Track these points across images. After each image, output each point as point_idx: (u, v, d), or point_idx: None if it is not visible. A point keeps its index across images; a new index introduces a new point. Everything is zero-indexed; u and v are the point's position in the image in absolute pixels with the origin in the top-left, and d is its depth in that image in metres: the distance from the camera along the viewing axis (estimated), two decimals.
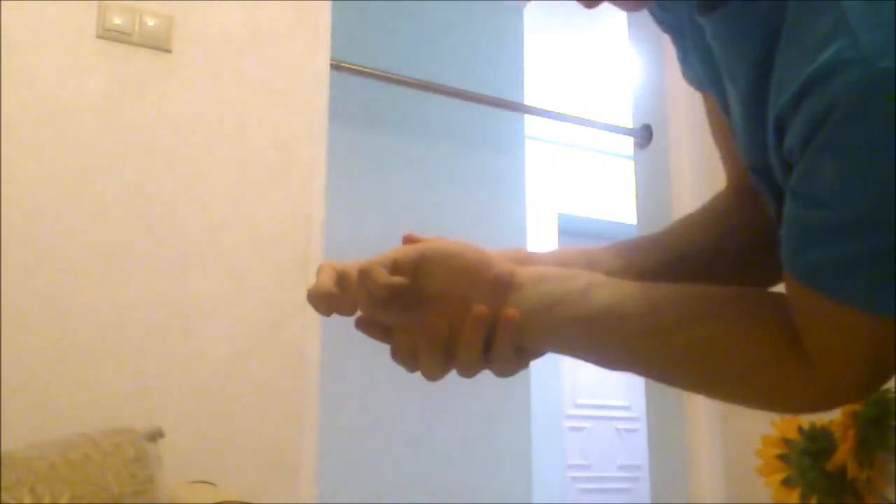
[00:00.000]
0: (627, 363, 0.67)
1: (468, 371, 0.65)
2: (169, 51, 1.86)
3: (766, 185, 0.67)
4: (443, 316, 0.63)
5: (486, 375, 0.66)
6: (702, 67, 0.77)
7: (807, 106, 0.53)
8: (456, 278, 0.64)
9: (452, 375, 0.67)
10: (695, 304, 0.65)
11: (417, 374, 0.68)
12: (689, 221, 0.86)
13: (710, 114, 0.86)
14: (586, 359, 0.67)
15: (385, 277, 0.62)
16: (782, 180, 0.60)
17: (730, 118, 0.74)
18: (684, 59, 0.81)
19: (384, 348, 0.69)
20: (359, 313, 0.66)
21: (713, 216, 0.85)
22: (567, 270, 0.68)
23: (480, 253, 0.65)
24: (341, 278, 0.64)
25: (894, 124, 0.49)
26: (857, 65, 0.50)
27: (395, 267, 0.64)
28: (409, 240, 0.68)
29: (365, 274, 0.62)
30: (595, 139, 4.35)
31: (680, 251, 0.81)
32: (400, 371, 0.70)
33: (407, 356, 0.65)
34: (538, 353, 0.67)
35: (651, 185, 2.52)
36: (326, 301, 0.64)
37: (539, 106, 3.16)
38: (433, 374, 0.65)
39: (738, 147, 0.73)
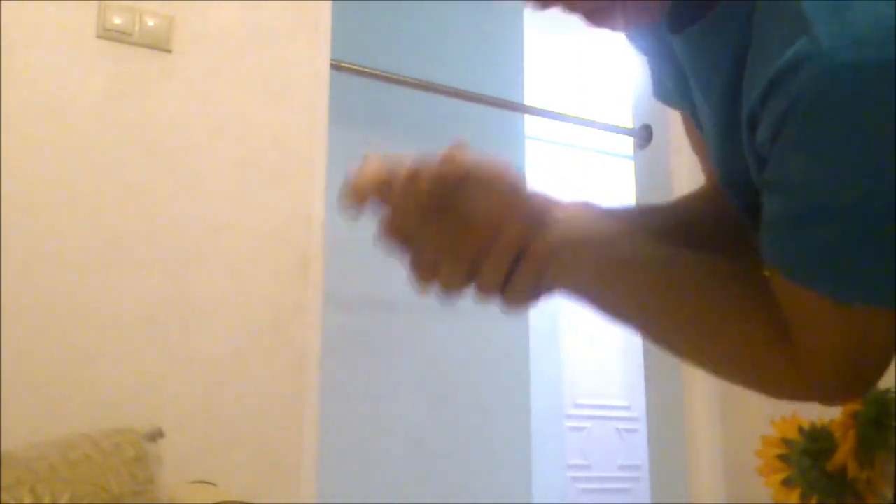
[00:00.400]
0: (635, 315, 0.68)
1: (486, 292, 0.65)
2: (169, 51, 1.86)
3: (740, 200, 0.70)
4: (475, 233, 0.64)
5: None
6: (674, 85, 0.78)
7: (773, 101, 0.55)
8: (495, 201, 0.65)
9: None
10: (709, 271, 0.67)
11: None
12: (690, 196, 0.89)
13: (688, 129, 0.89)
14: (598, 305, 0.67)
15: (435, 184, 0.63)
16: (757, 178, 0.62)
17: (703, 133, 0.76)
18: (657, 77, 0.83)
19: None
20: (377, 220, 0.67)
21: (708, 195, 0.87)
22: (599, 217, 0.69)
23: (521, 181, 0.66)
24: (390, 171, 0.65)
25: (853, 114, 0.52)
26: (818, 59, 0.52)
27: (441, 178, 0.64)
28: (454, 149, 0.68)
29: (415, 175, 0.63)
30: (595, 139, 4.35)
31: (688, 218, 0.83)
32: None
33: (428, 267, 0.65)
34: (554, 291, 0.67)
35: (651, 185, 2.52)
36: (372, 184, 0.64)
37: (539, 106, 3.16)
38: (451, 288, 0.65)
39: (711, 161, 0.75)
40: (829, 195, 0.54)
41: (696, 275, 0.67)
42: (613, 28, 0.65)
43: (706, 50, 0.67)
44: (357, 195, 0.65)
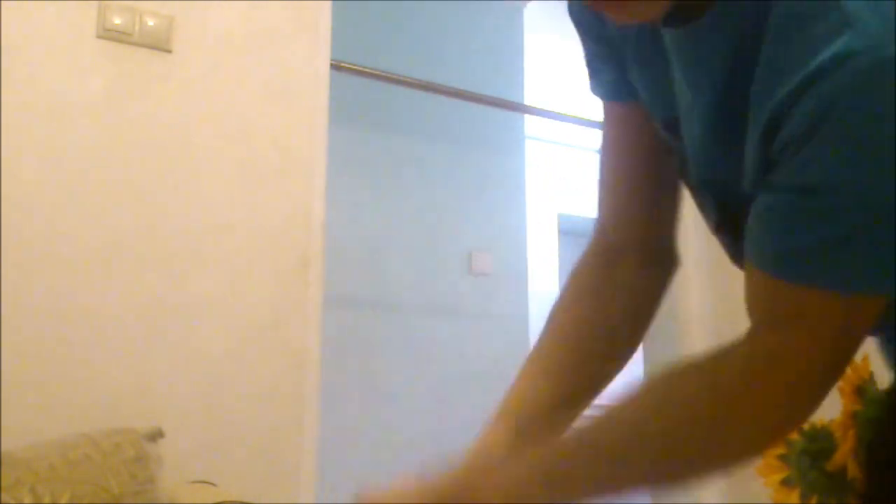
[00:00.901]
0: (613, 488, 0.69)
1: None
2: (169, 51, 1.86)
3: (713, 197, 0.71)
4: None
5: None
6: (645, 81, 0.77)
7: (812, 96, 0.55)
8: None
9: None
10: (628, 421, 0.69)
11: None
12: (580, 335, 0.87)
13: (620, 130, 0.85)
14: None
15: None
16: (752, 181, 0.62)
17: (674, 133, 0.75)
18: (616, 68, 0.80)
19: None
20: None
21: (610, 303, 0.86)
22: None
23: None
24: None
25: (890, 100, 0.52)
26: (864, 54, 0.53)
27: None
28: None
29: None
30: (595, 139, 4.35)
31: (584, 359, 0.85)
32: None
33: None
34: None
35: None
36: None
37: (539, 106, 3.16)
38: None
39: (689, 162, 0.74)
40: (865, 187, 0.55)
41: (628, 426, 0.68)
42: (618, 16, 0.64)
43: (703, 47, 0.66)
44: None
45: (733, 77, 0.63)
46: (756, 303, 0.64)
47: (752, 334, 0.64)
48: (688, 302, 2.32)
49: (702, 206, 0.76)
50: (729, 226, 0.72)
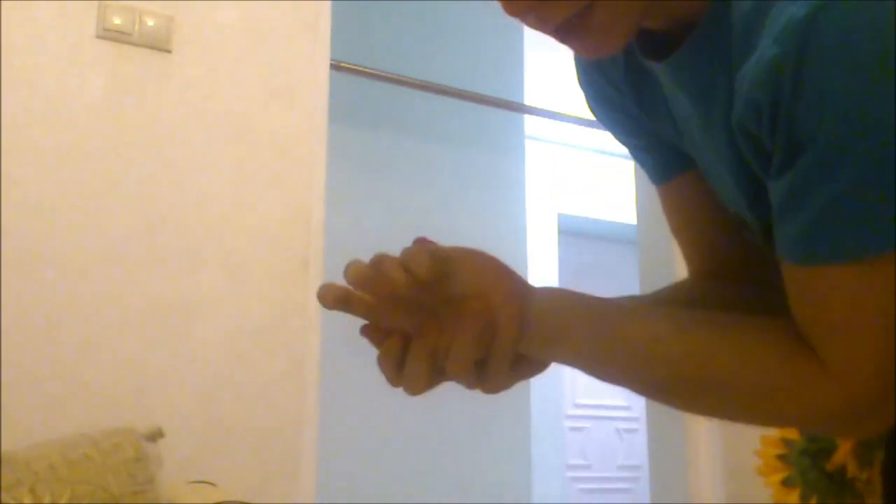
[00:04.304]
0: (635, 376, 0.67)
1: (461, 370, 0.64)
2: (169, 51, 1.86)
3: (760, 226, 0.68)
4: (460, 311, 0.62)
5: None
6: (656, 121, 0.77)
7: (763, 67, 0.55)
8: (474, 286, 0.63)
9: (449, 384, 0.67)
10: (706, 320, 0.66)
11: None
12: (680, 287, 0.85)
13: (676, 203, 0.86)
14: (589, 367, 0.67)
15: (430, 263, 0.60)
16: (765, 178, 0.60)
17: (699, 166, 0.74)
18: (658, 147, 0.81)
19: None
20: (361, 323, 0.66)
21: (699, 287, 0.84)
22: (582, 295, 0.67)
23: (499, 265, 0.65)
24: (372, 266, 0.63)
25: (846, 44, 0.52)
26: (800, 7, 0.53)
27: (421, 268, 0.61)
28: (421, 241, 0.66)
29: (408, 258, 0.61)
30: (595, 139, 4.35)
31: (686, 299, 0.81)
32: None
33: (395, 362, 0.65)
34: (534, 369, 0.67)
35: (651, 185, 2.52)
36: (359, 279, 0.62)
37: (539, 106, 3.16)
38: (415, 385, 0.66)
39: (720, 193, 0.73)
40: (838, 133, 0.53)
41: (703, 325, 0.65)
42: (581, 49, 0.64)
43: (697, 71, 0.66)
44: (338, 297, 0.64)
45: (729, 101, 0.61)
46: (801, 308, 0.60)
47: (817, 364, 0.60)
48: None
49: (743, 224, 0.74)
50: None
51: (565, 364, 0.67)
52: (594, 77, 0.81)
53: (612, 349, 0.65)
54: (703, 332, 0.64)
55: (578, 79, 0.84)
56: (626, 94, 0.78)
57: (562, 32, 0.64)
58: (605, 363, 0.66)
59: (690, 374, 0.63)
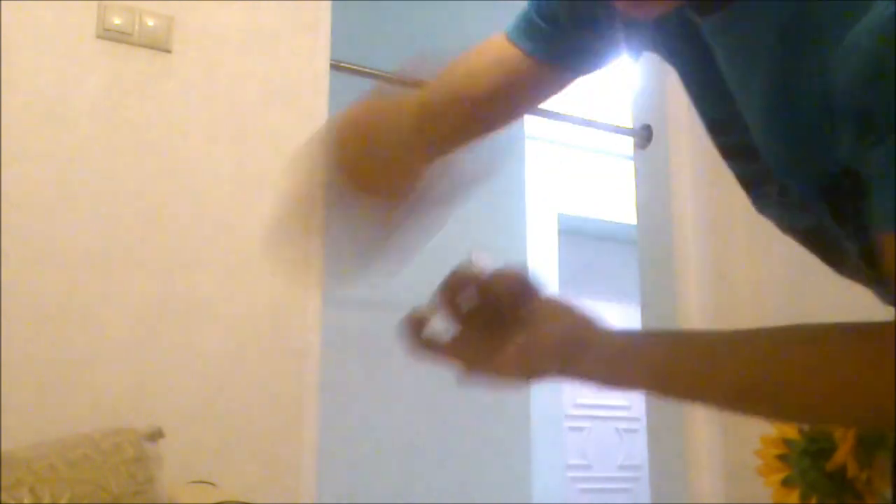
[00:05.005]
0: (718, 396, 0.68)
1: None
2: (169, 51, 1.86)
3: (804, 182, 0.67)
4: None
5: None
6: (690, 78, 0.77)
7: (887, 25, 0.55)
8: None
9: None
10: (770, 336, 0.66)
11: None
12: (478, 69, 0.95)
13: (512, 67, 0.95)
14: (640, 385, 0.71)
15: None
16: (852, 148, 0.59)
17: (720, 137, 0.76)
18: (585, 37, 0.87)
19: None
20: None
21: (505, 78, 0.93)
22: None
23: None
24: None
25: None
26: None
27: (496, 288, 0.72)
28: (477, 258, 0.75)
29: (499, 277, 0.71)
30: (595, 139, 4.35)
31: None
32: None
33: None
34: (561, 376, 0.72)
35: (651, 185, 2.52)
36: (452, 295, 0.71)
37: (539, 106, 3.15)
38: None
39: (758, 144, 0.72)
40: None
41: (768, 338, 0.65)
42: (647, 13, 0.64)
43: (746, 29, 0.65)
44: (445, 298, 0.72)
45: (790, 54, 0.61)
46: None
47: None
48: (688, 302, 2.32)
49: (782, 217, 0.74)
50: (824, 230, 0.70)
51: (624, 387, 0.69)
52: None
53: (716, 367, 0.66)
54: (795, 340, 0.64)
55: None
56: None
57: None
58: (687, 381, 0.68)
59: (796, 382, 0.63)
